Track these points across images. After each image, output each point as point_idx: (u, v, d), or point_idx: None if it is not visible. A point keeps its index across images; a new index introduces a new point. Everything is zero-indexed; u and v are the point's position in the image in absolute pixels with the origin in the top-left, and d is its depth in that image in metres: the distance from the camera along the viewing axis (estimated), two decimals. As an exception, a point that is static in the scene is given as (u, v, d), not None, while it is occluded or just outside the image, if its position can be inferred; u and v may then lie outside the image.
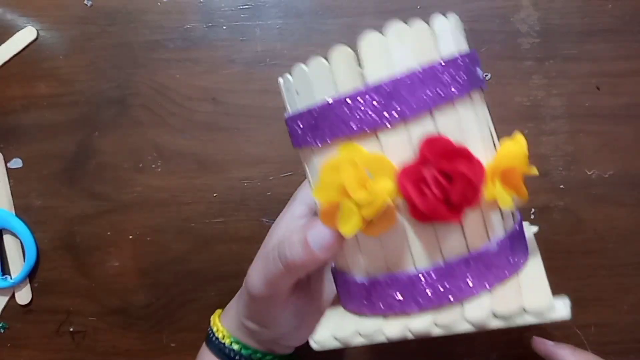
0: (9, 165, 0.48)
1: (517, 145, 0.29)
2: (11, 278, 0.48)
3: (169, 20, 0.48)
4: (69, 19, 0.48)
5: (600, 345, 0.45)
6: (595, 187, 0.46)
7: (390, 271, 0.28)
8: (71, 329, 0.48)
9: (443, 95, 0.26)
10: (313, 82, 0.27)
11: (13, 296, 0.48)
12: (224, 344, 0.37)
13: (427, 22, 0.28)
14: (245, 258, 0.46)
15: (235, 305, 0.38)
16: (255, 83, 0.47)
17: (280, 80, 0.30)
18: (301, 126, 0.29)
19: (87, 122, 0.48)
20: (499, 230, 0.29)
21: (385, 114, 0.26)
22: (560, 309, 0.25)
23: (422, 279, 0.27)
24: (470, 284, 0.27)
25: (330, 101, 0.27)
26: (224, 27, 0.47)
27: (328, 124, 0.27)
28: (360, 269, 0.29)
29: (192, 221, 0.47)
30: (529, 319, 0.25)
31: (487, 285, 0.28)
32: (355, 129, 0.26)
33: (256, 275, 0.34)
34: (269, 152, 0.47)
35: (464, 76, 0.28)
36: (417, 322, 0.27)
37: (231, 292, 0.46)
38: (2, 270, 0.48)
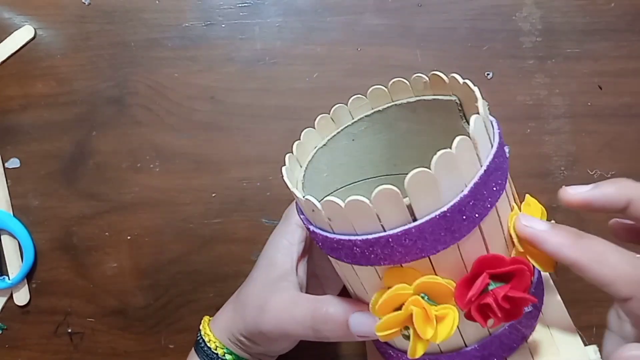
0: (6, 165, 0.48)
1: (534, 211, 0.30)
2: (9, 279, 0.47)
3: (167, 18, 0.47)
4: (67, 17, 0.48)
5: (601, 346, 0.45)
6: (598, 187, 0.45)
7: (443, 353, 0.29)
8: (69, 330, 0.48)
9: (489, 205, 0.26)
10: (351, 220, 0.26)
11: (11, 297, 0.48)
12: (216, 354, 0.37)
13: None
14: (244, 259, 0.46)
15: (229, 316, 0.38)
16: (255, 82, 0.47)
17: (288, 182, 0.29)
18: (333, 244, 0.27)
19: (85, 122, 0.48)
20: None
21: (439, 243, 0.25)
22: None
23: (476, 352, 0.29)
24: (512, 345, 0.30)
25: (375, 237, 0.25)
26: (223, 26, 0.47)
27: (370, 253, 0.26)
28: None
29: (191, 222, 0.47)
30: None
31: (526, 338, 0.30)
32: (404, 260, 0.26)
33: (274, 325, 0.33)
34: (268, 152, 0.47)
35: (502, 171, 0.27)
36: None
37: (230, 293, 0.45)
38: (0, 271, 0.48)
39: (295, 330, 0.33)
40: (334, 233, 0.27)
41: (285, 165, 0.30)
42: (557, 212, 0.46)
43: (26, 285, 0.48)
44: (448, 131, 0.30)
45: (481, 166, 0.25)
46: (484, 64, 0.46)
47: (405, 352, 0.29)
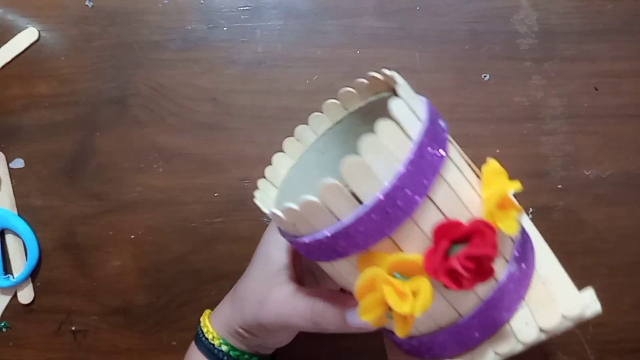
0: (10, 165, 0.48)
1: (496, 173, 0.30)
2: (13, 277, 0.48)
3: (169, 21, 0.48)
4: (70, 19, 0.48)
5: (600, 344, 0.45)
6: (595, 187, 0.46)
7: (442, 328, 0.30)
8: (72, 328, 0.48)
9: (431, 176, 0.27)
10: (310, 220, 0.27)
11: (15, 295, 0.48)
12: (213, 344, 0.38)
13: (387, 109, 0.27)
14: (246, 258, 0.46)
15: (228, 311, 0.39)
16: (256, 84, 0.47)
17: (259, 203, 0.31)
18: (308, 247, 0.29)
19: (88, 122, 0.48)
20: (511, 251, 0.31)
21: (392, 221, 0.26)
22: (592, 304, 0.30)
23: (474, 321, 0.30)
24: (509, 306, 0.30)
25: (335, 231, 0.27)
26: (225, 28, 0.48)
27: (337, 246, 0.27)
28: (411, 331, 0.30)
29: (193, 221, 0.47)
30: (569, 324, 0.30)
31: (523, 298, 0.31)
32: (367, 244, 0.27)
33: (274, 316, 0.35)
34: (269, 153, 0.47)
35: (439, 143, 0.27)
36: (481, 356, 0.30)
37: (231, 291, 0.46)
38: (4, 270, 0.48)
39: (295, 321, 0.34)
40: (303, 236, 0.28)
41: (257, 189, 0.32)
42: (555, 212, 0.46)
43: (30, 284, 0.48)
44: None
45: (411, 142, 0.26)
46: (482, 66, 0.46)
47: (410, 337, 0.30)
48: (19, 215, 0.48)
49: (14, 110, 0.48)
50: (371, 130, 0.33)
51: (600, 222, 0.46)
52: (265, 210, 0.30)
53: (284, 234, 0.31)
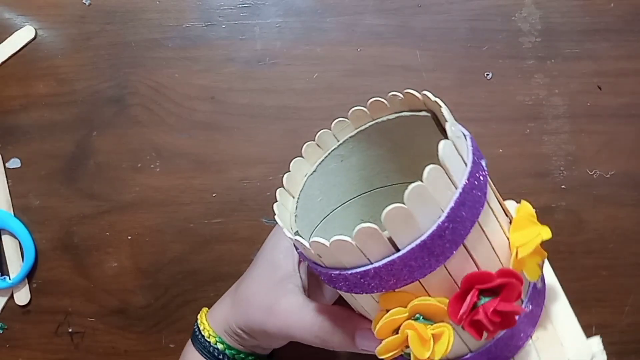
0: (7, 165, 0.48)
1: (528, 218, 0.30)
2: (10, 278, 0.47)
3: (167, 19, 0.47)
4: (68, 18, 0.48)
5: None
6: (597, 187, 0.46)
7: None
8: (70, 330, 0.48)
9: (470, 224, 0.26)
10: (338, 256, 0.27)
11: (12, 297, 0.48)
12: (209, 342, 0.38)
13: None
14: (245, 259, 0.46)
15: (227, 310, 0.39)
16: (255, 82, 0.47)
17: (280, 222, 0.30)
18: (330, 277, 0.28)
19: (85, 122, 0.48)
20: (527, 291, 0.31)
21: (424, 267, 0.26)
22: (599, 354, 0.31)
23: (481, 357, 0.30)
24: (518, 344, 0.31)
25: (363, 270, 0.26)
26: (223, 26, 0.47)
27: (362, 284, 0.27)
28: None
29: (191, 221, 0.47)
30: None
31: (530, 337, 0.31)
32: (395, 286, 0.26)
33: (280, 327, 0.34)
34: (268, 152, 0.47)
35: (480, 189, 0.27)
36: None
37: (230, 292, 0.46)
38: (0, 271, 0.48)
39: (302, 335, 0.34)
40: (326, 268, 0.28)
41: (276, 200, 0.31)
42: (557, 212, 0.46)
43: (27, 285, 0.48)
44: (431, 143, 0.30)
45: (456, 189, 0.25)
46: (484, 64, 0.46)
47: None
48: (15, 215, 0.48)
49: (10, 110, 0.48)
50: (408, 145, 0.33)
51: (602, 222, 0.46)
52: (288, 233, 0.29)
53: (303, 257, 0.30)
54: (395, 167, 0.35)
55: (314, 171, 0.34)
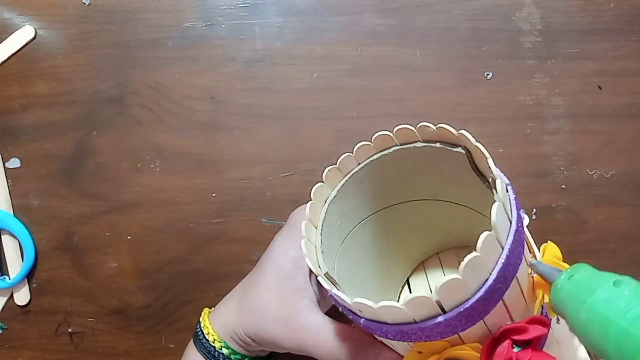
0: (7, 165, 0.48)
1: (555, 260, 0.31)
2: (9, 279, 0.47)
3: (167, 18, 0.47)
4: (68, 17, 0.48)
5: None
6: (597, 187, 0.46)
7: None
8: (70, 330, 0.48)
9: (511, 280, 0.26)
10: (383, 315, 0.27)
11: (11, 297, 0.48)
12: (214, 347, 0.37)
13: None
14: (245, 258, 0.46)
15: (232, 315, 0.38)
16: (255, 82, 0.47)
17: (311, 266, 0.29)
18: (367, 326, 0.28)
19: (85, 122, 0.48)
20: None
21: (465, 324, 0.26)
22: None
23: None
24: None
25: (406, 327, 0.26)
26: (223, 26, 0.47)
27: (401, 335, 0.27)
28: None
29: (191, 221, 0.47)
30: None
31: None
32: (434, 338, 0.26)
33: (297, 343, 0.34)
34: (268, 152, 0.47)
35: (520, 244, 0.27)
36: None
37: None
38: (0, 271, 0.48)
39: (319, 354, 0.33)
40: (365, 319, 0.28)
41: (302, 235, 0.30)
42: (557, 212, 0.46)
43: (26, 285, 0.48)
44: (459, 172, 0.30)
45: (502, 249, 0.25)
46: (484, 64, 0.46)
47: None
48: (15, 215, 0.48)
49: (10, 110, 0.48)
50: (431, 169, 0.32)
51: (602, 222, 0.46)
52: (327, 286, 0.28)
53: (337, 303, 0.30)
54: (415, 184, 0.34)
55: (335, 196, 0.33)
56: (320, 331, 0.33)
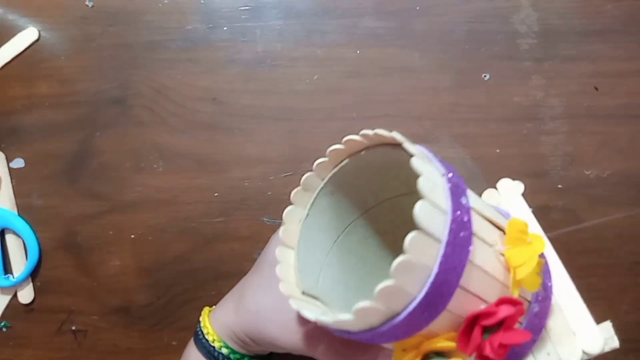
0: (11, 165, 0.48)
1: (520, 232, 0.30)
2: (14, 277, 0.48)
3: (169, 21, 0.48)
4: (71, 19, 0.48)
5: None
6: (594, 187, 0.46)
7: None
8: (73, 328, 0.48)
9: (461, 267, 0.26)
10: (345, 327, 0.27)
11: (15, 295, 0.48)
12: (213, 347, 0.38)
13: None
14: (246, 257, 0.47)
15: (232, 316, 0.38)
16: (256, 83, 0.47)
17: (285, 292, 0.30)
18: (341, 333, 0.29)
19: (88, 122, 0.48)
20: (533, 295, 0.32)
21: (427, 320, 0.26)
22: (610, 340, 0.33)
23: None
24: (535, 338, 0.32)
25: (370, 334, 0.27)
26: (225, 28, 0.48)
27: (371, 341, 0.27)
28: None
29: (193, 221, 0.47)
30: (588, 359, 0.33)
31: (544, 327, 0.32)
32: (403, 337, 0.27)
33: (296, 345, 0.34)
34: (269, 152, 0.47)
35: (464, 228, 0.26)
36: None
37: (232, 291, 0.46)
38: (4, 270, 0.48)
39: (315, 354, 0.34)
40: (334, 329, 0.29)
41: (278, 260, 0.31)
42: (554, 212, 0.46)
43: (30, 284, 0.48)
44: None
45: (440, 243, 0.25)
46: (482, 66, 0.46)
47: None
48: (19, 215, 0.48)
49: (14, 110, 0.48)
50: (390, 169, 0.33)
51: (598, 222, 0.46)
52: (294, 306, 0.29)
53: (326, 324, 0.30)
54: (387, 186, 0.35)
55: (307, 215, 0.33)
56: (318, 334, 0.34)
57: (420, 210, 0.24)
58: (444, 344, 0.27)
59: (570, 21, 0.46)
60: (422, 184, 0.25)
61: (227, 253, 0.47)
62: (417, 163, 0.26)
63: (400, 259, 0.24)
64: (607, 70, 0.46)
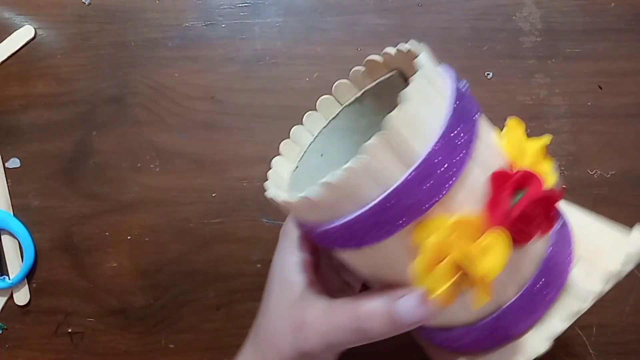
0: (6, 165, 0.48)
1: (517, 126, 0.30)
2: (9, 279, 0.47)
3: (167, 18, 0.47)
4: (67, 17, 0.48)
5: (602, 345, 0.45)
6: (598, 186, 0.46)
7: (501, 306, 0.28)
8: (69, 330, 0.48)
9: (471, 130, 0.25)
10: (348, 196, 0.24)
11: (11, 297, 0.48)
12: None
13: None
14: (245, 259, 0.46)
15: (251, 357, 0.35)
16: (255, 82, 0.47)
17: (274, 199, 0.28)
18: (345, 234, 0.26)
19: (85, 122, 0.48)
20: None
21: (440, 185, 0.24)
22: None
23: (538, 287, 0.28)
24: (567, 258, 0.30)
25: (377, 202, 0.24)
26: (223, 26, 0.47)
27: (385, 220, 0.24)
28: (468, 318, 0.28)
29: (191, 221, 0.47)
30: (631, 266, 0.30)
31: (571, 262, 0.30)
32: (423, 210, 0.24)
33: (317, 340, 0.30)
34: (268, 152, 0.46)
35: (467, 111, 0.26)
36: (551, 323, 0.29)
37: (230, 292, 0.46)
38: (0, 271, 0.48)
39: (338, 338, 0.30)
40: (334, 220, 0.26)
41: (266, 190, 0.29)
42: (557, 212, 0.46)
43: (26, 285, 0.48)
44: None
45: (446, 104, 0.24)
46: (484, 64, 0.46)
47: (447, 328, 0.29)
48: (15, 215, 0.48)
49: (10, 109, 0.48)
50: (373, 119, 0.31)
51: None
52: (283, 199, 0.26)
53: (305, 227, 0.28)
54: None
55: (297, 168, 0.32)
56: (329, 314, 0.30)
57: (423, 58, 0.24)
58: (471, 215, 0.24)
59: (573, 19, 0.46)
60: (422, 59, 0.25)
61: (226, 254, 0.47)
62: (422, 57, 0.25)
63: (401, 96, 0.23)
64: (611, 68, 0.46)
